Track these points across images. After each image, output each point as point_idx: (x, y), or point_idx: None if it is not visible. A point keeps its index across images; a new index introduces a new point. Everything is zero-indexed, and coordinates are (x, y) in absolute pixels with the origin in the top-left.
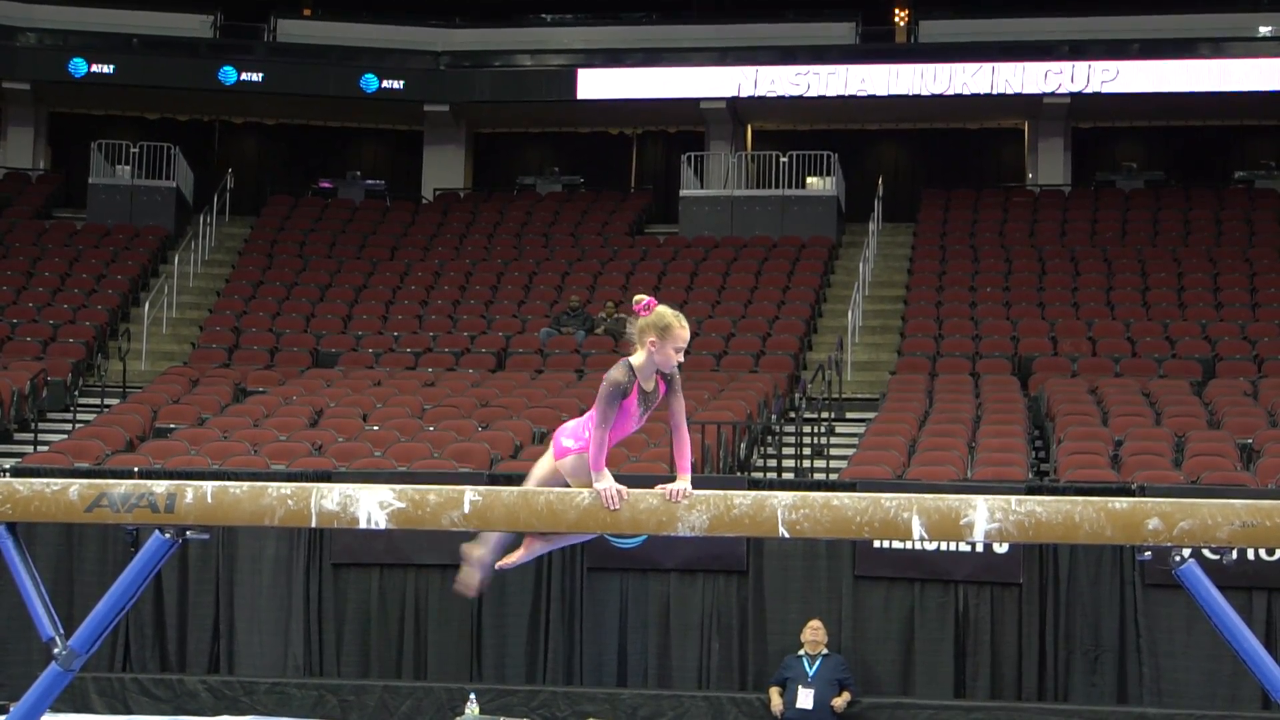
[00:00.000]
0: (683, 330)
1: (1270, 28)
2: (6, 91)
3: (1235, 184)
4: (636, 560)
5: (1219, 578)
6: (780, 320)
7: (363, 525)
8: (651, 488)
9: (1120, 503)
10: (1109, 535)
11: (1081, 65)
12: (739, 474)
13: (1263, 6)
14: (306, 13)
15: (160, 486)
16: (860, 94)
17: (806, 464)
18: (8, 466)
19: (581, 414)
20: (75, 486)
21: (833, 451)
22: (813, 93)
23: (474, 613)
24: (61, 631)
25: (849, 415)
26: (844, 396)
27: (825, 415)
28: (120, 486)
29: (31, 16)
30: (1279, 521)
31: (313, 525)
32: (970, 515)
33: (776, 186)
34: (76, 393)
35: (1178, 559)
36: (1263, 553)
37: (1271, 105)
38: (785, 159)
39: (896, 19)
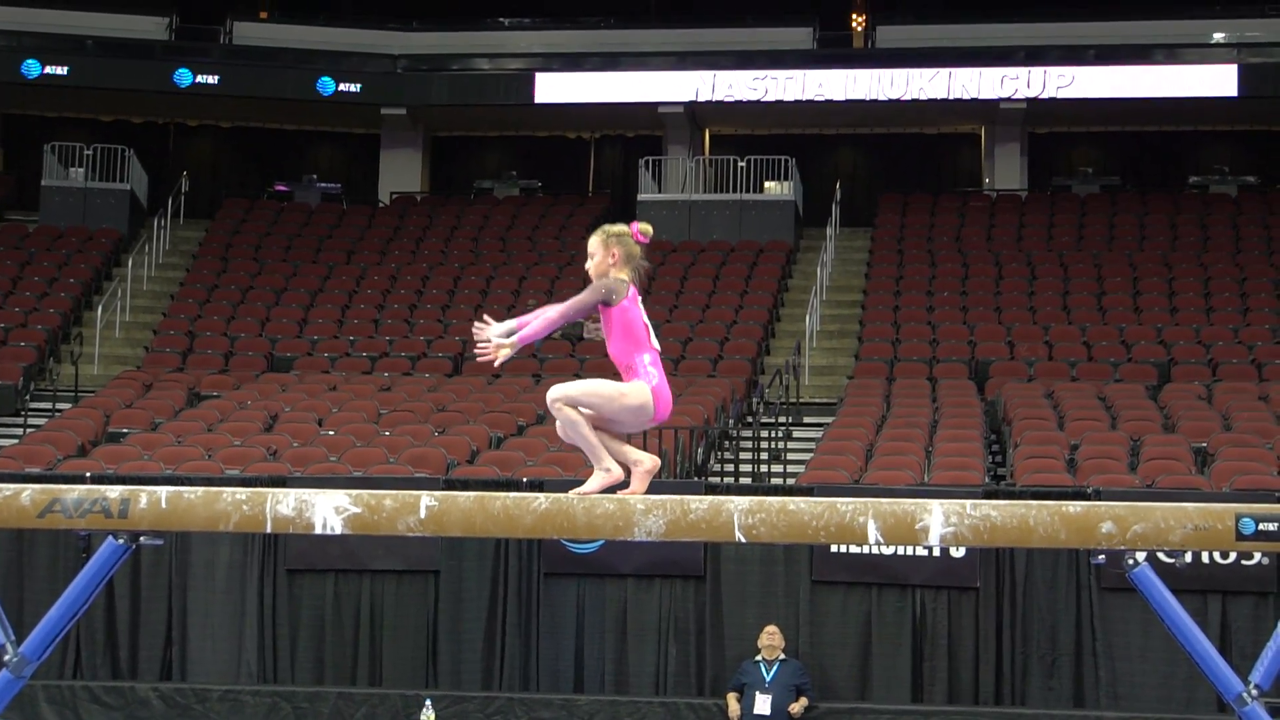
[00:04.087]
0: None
1: (1224, 34)
2: None
3: (1190, 189)
4: (593, 565)
5: (1173, 581)
6: (738, 325)
7: (318, 530)
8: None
9: (1074, 506)
10: (1063, 539)
11: (1038, 71)
12: (696, 479)
13: (1217, 13)
14: (263, 15)
15: (113, 492)
16: (818, 99)
17: (764, 469)
18: None
19: (539, 420)
20: (27, 492)
21: (790, 456)
22: (771, 97)
23: (429, 618)
24: (13, 638)
25: (806, 420)
26: (801, 401)
27: (783, 420)
28: (73, 492)
29: None
30: (1230, 525)
31: (267, 530)
32: (926, 519)
33: (734, 191)
34: (28, 397)
35: (1131, 562)
36: (1217, 556)
37: (1225, 111)
38: (743, 163)
39: (854, 24)
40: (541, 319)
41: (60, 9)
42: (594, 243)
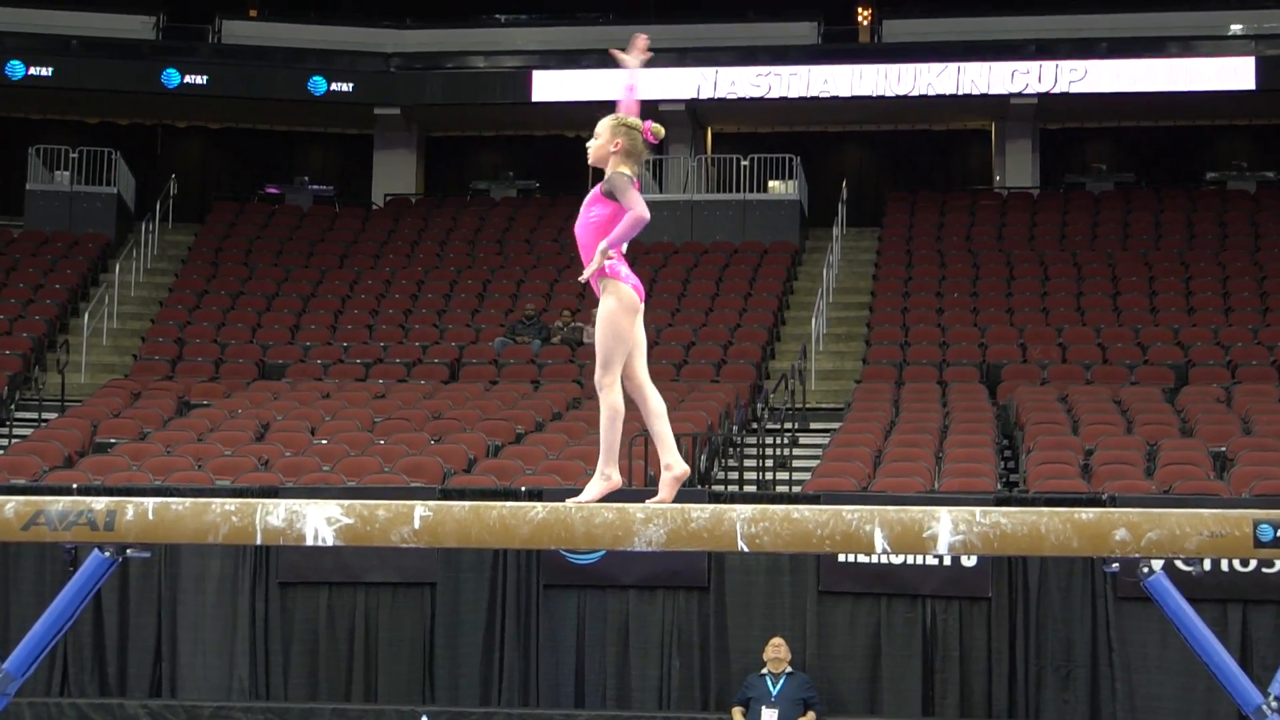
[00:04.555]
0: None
1: (1241, 25)
2: None
3: (1207, 185)
4: (594, 576)
5: (1191, 589)
6: (742, 328)
7: (310, 542)
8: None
9: (1087, 513)
10: (1076, 547)
11: (1049, 65)
12: (699, 487)
13: (1233, 4)
14: (252, 13)
15: (100, 503)
16: (823, 95)
17: (769, 476)
18: None
19: (539, 427)
20: (11, 504)
21: (796, 463)
22: (774, 94)
23: (426, 632)
24: None
25: (813, 426)
26: (808, 406)
27: (788, 426)
28: (58, 504)
29: None
30: (1248, 531)
31: (258, 542)
32: (934, 527)
33: (737, 190)
34: (13, 407)
35: (1146, 570)
36: (1237, 563)
37: (1243, 105)
38: (746, 162)
39: (860, 18)
40: (626, 224)
41: (44, 8)
42: (603, 125)
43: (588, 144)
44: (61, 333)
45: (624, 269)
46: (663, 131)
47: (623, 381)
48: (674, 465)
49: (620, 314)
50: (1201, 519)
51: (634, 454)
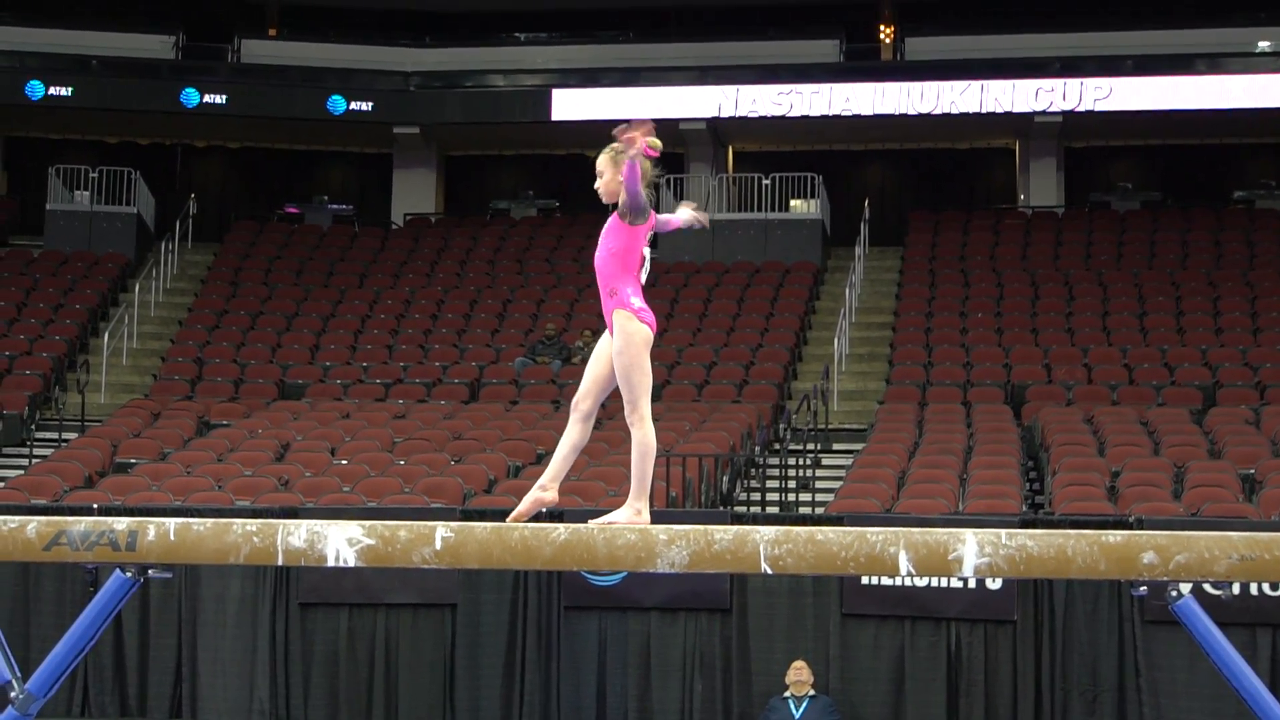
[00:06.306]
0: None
1: (1269, 42)
2: None
3: (1235, 204)
4: (615, 598)
5: (1220, 613)
6: (764, 348)
7: (331, 563)
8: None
9: (1114, 536)
10: (1103, 570)
11: (1074, 82)
12: (722, 508)
13: (1261, 21)
14: (272, 33)
15: (121, 524)
16: (845, 113)
17: (792, 497)
18: None
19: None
20: (33, 524)
21: (819, 484)
22: (796, 112)
23: (447, 653)
24: (18, 674)
25: (835, 447)
26: (830, 427)
27: (811, 447)
28: (79, 524)
29: None
30: (1278, 555)
31: (279, 563)
32: (959, 550)
33: (759, 210)
34: (33, 427)
35: (1174, 594)
36: (1267, 587)
37: (1271, 122)
38: (768, 181)
39: (882, 36)
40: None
41: (64, 29)
42: (603, 160)
43: (595, 187)
44: (81, 352)
45: (637, 300)
46: (660, 144)
47: (581, 403)
48: (548, 489)
49: (638, 350)
50: (1231, 542)
51: (654, 474)
